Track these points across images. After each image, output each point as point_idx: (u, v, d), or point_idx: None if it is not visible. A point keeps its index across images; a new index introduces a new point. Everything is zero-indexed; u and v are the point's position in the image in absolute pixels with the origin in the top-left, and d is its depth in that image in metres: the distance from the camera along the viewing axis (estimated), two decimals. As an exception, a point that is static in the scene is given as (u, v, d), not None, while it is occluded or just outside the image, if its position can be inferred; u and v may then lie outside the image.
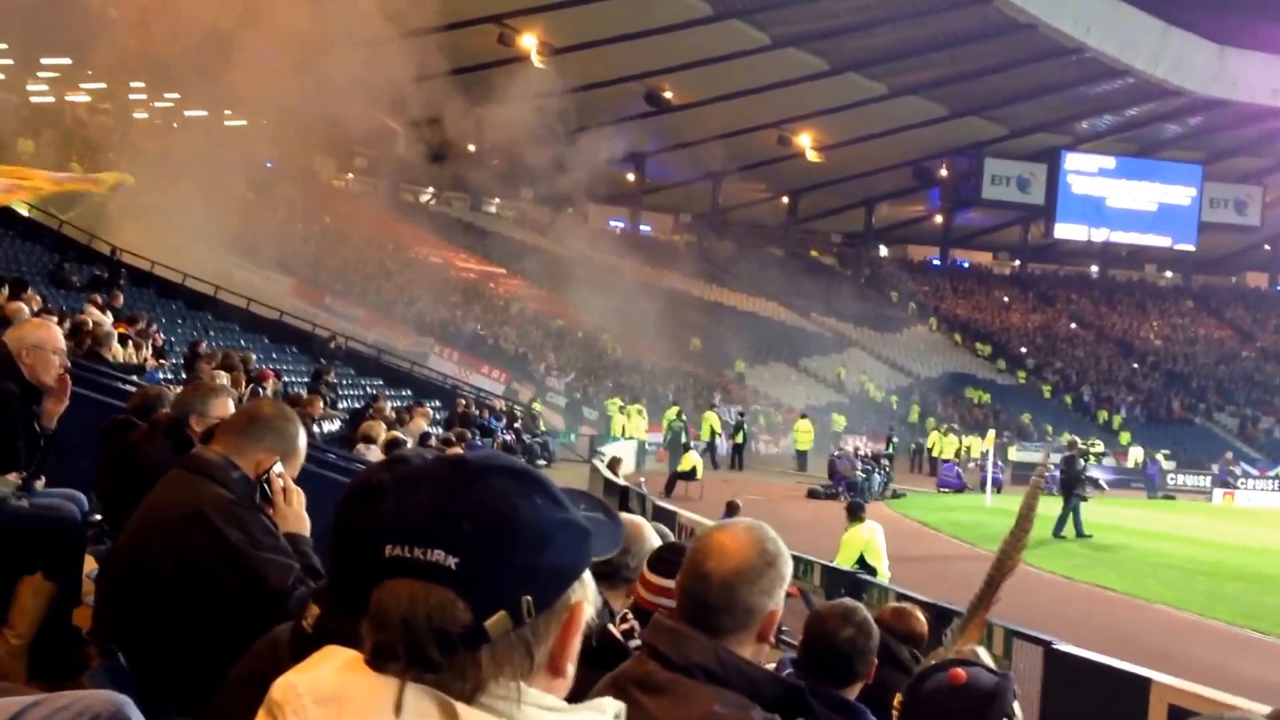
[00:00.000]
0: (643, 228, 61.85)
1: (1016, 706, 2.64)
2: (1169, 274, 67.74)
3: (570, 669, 1.37)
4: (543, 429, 32.29)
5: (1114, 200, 61.24)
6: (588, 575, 1.39)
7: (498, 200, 57.96)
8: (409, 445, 11.72)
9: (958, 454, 37.44)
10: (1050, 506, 20.87)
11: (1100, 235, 62.93)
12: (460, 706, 1.25)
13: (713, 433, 34.08)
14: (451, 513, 1.31)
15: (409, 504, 1.34)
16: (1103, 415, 50.86)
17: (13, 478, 4.83)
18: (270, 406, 3.96)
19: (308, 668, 1.35)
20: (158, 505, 3.39)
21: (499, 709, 1.27)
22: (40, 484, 5.39)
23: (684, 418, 35.56)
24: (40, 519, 4.65)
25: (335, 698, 1.29)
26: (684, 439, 33.17)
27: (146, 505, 3.43)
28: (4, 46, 41.49)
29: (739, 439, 35.01)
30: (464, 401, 26.98)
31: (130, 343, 13.01)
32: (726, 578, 2.34)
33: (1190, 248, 63.11)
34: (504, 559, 1.30)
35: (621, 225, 61.54)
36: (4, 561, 4.54)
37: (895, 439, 37.53)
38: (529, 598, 1.30)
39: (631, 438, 33.73)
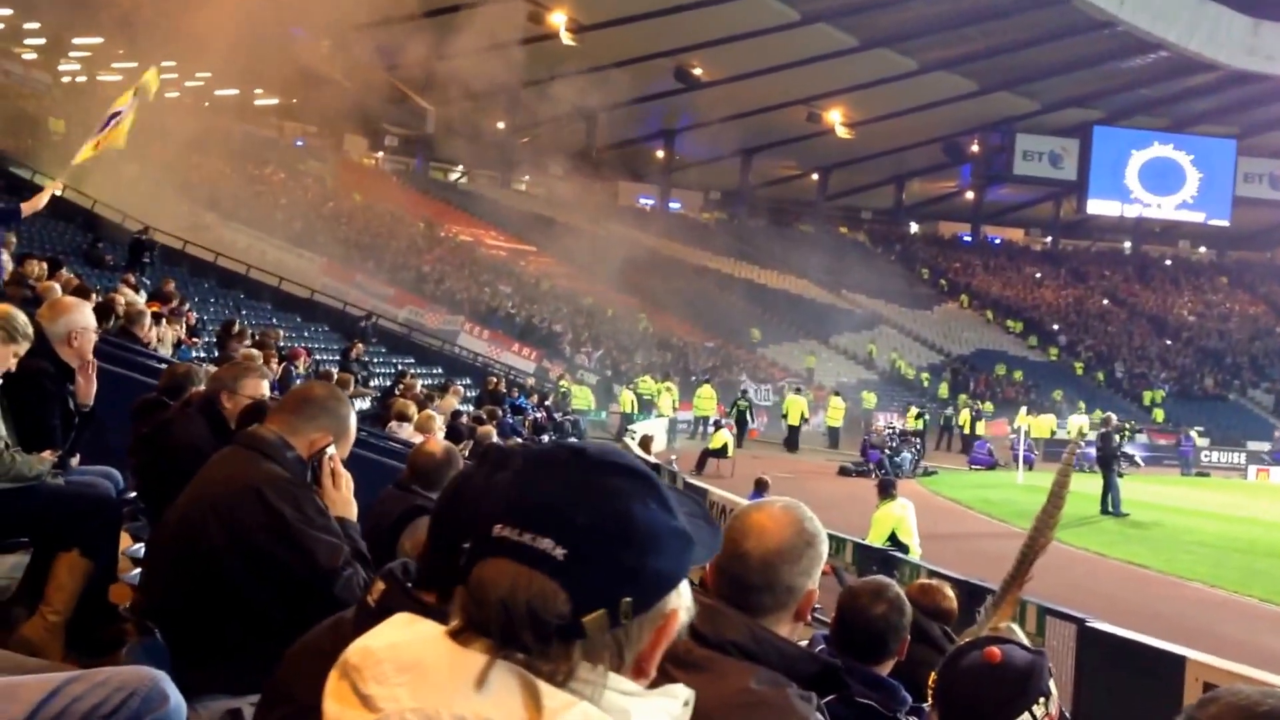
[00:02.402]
0: (672, 205, 61.76)
1: (1052, 684, 2.63)
2: (1203, 249, 67.10)
3: (654, 673, 1.36)
4: (575, 407, 32.35)
5: (1147, 175, 60.75)
6: (685, 584, 1.38)
7: (527, 178, 58.05)
8: (439, 422, 11.75)
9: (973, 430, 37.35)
10: (1080, 484, 20.74)
11: (1133, 211, 62.45)
12: (543, 685, 1.24)
13: (801, 417, 34.10)
14: (566, 504, 1.30)
15: (525, 487, 1.34)
16: (1148, 397, 50.29)
17: (48, 455, 4.86)
18: (323, 388, 4.00)
19: (383, 634, 1.34)
20: (213, 480, 3.42)
21: (583, 692, 1.26)
22: (75, 462, 5.44)
23: (750, 397, 36.02)
24: (77, 496, 4.68)
25: (416, 666, 1.28)
26: (750, 418, 33.57)
27: (201, 480, 3.46)
28: (36, 26, 41.78)
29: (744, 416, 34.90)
30: (494, 379, 26.98)
31: (164, 321, 13.08)
32: (766, 557, 2.33)
33: (1224, 223, 62.54)
34: (612, 558, 1.29)
35: (651, 202, 61.47)
36: (41, 538, 4.58)
37: (927, 416, 37.33)
38: (629, 599, 1.29)
39: (662, 415, 33.73)
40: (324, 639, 2.26)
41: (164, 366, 7.69)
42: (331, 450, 3.49)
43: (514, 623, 1.25)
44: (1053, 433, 37.07)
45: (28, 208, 10.06)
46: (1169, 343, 56.54)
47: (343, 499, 3.48)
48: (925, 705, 2.90)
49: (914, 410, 37.31)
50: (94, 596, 4.36)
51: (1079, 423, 37.38)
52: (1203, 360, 54.90)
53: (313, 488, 3.42)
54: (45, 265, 12.97)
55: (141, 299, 14.13)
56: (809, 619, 2.48)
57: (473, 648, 1.27)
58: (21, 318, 4.90)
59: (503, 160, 52.68)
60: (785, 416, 34.39)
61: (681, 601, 1.37)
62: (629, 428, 29.48)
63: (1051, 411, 42.09)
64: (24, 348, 4.86)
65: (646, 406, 34.59)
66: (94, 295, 11.30)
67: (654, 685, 1.38)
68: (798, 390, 37.01)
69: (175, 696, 2.19)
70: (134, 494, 5.36)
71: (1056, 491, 3.74)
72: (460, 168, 57.02)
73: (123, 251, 23.10)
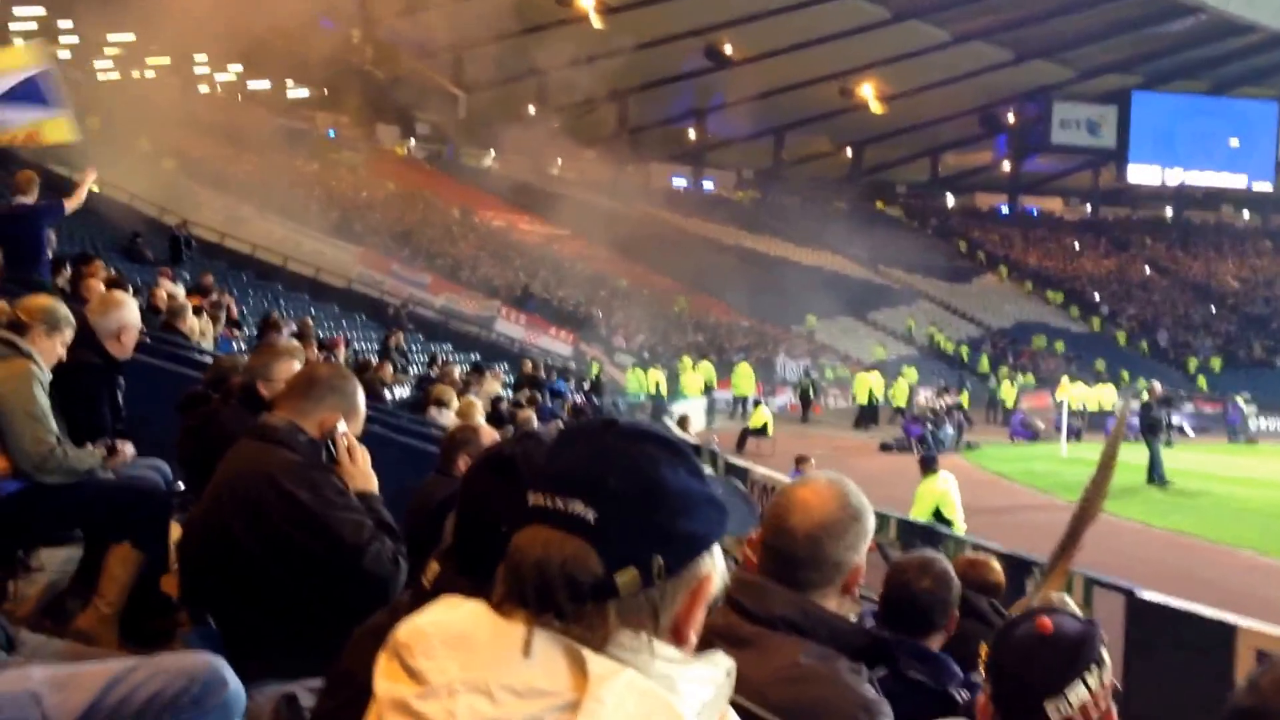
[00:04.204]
0: (705, 184, 61.62)
1: (1105, 653, 2.61)
2: (1246, 214, 66.29)
3: (693, 638, 1.40)
4: (629, 390, 32.41)
5: (1187, 141, 60.05)
6: (718, 551, 1.42)
7: (560, 161, 58.08)
8: (480, 408, 11.81)
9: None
10: (1126, 454, 20.59)
11: (1174, 177, 61.81)
12: (588, 653, 1.28)
13: (870, 395, 34.22)
14: (597, 468, 1.35)
15: (558, 456, 1.39)
16: (1192, 363, 49.74)
17: (97, 448, 4.92)
18: (326, 368, 4.00)
19: (431, 613, 1.39)
20: (229, 474, 3.44)
21: (629, 660, 1.29)
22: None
23: (812, 375, 36.96)
24: (127, 489, 4.73)
25: (463, 639, 1.32)
26: (812, 395, 34.53)
27: (219, 475, 3.49)
28: (70, 24, 42.07)
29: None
30: (531, 364, 26.92)
31: (203, 314, 13.15)
32: (812, 532, 2.33)
33: (1268, 187, 61.81)
34: (642, 518, 1.33)
35: (684, 183, 61.36)
36: (93, 531, 4.63)
37: (965, 390, 37.19)
38: (660, 559, 1.33)
39: (685, 396, 33.70)
40: (384, 623, 2.28)
41: (208, 360, 7.75)
42: (342, 427, 3.49)
43: (549, 584, 1.30)
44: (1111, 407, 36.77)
45: (71, 204, 10.16)
46: (1213, 310, 55.95)
47: (361, 473, 3.49)
48: (975, 677, 2.89)
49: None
50: (146, 588, 4.40)
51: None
52: (1248, 326, 54.29)
53: (329, 468, 3.43)
54: (101, 266, 12.99)
55: (181, 292, 14.24)
56: (856, 594, 2.49)
57: (514, 619, 1.32)
58: (62, 308, 4.95)
59: (534, 144, 52.66)
60: (855, 396, 34.69)
61: (715, 566, 1.41)
62: (669, 408, 29.43)
63: (1099, 382, 41.74)
64: (69, 335, 4.92)
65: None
66: (130, 289, 11.38)
67: None
68: (866, 369, 37.24)
69: (234, 682, 2.22)
70: (182, 486, 5.42)
71: (1106, 460, 3.70)
72: (492, 153, 57.10)
73: (161, 246, 23.27)
